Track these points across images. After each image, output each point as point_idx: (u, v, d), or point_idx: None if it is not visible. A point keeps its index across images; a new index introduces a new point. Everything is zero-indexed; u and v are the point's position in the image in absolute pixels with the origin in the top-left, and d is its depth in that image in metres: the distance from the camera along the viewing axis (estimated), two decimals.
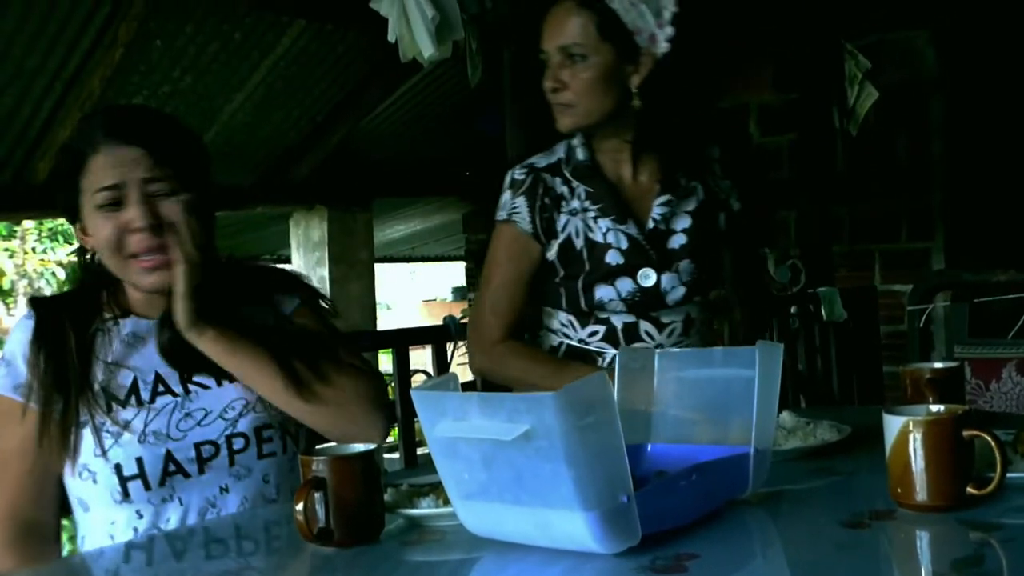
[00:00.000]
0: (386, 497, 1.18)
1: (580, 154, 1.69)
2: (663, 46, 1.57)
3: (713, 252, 1.75)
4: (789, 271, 4.36)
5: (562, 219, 1.67)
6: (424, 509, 1.14)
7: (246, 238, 6.27)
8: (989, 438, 1.02)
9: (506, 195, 1.70)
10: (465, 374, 3.60)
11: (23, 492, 1.34)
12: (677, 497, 1.05)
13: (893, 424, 1.05)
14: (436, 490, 1.16)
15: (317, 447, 1.16)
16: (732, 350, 1.24)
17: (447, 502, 1.07)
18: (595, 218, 1.67)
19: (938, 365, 1.49)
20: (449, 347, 2.73)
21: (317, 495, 1.07)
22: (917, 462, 1.03)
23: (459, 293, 8.05)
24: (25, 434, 1.32)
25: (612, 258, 1.66)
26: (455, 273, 8.41)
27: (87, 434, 1.32)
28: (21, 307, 11.59)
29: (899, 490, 1.05)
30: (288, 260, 5.67)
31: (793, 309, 3.95)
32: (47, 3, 3.31)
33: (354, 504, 1.08)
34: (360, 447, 1.14)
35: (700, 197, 1.71)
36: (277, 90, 4.27)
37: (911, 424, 1.04)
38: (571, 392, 0.91)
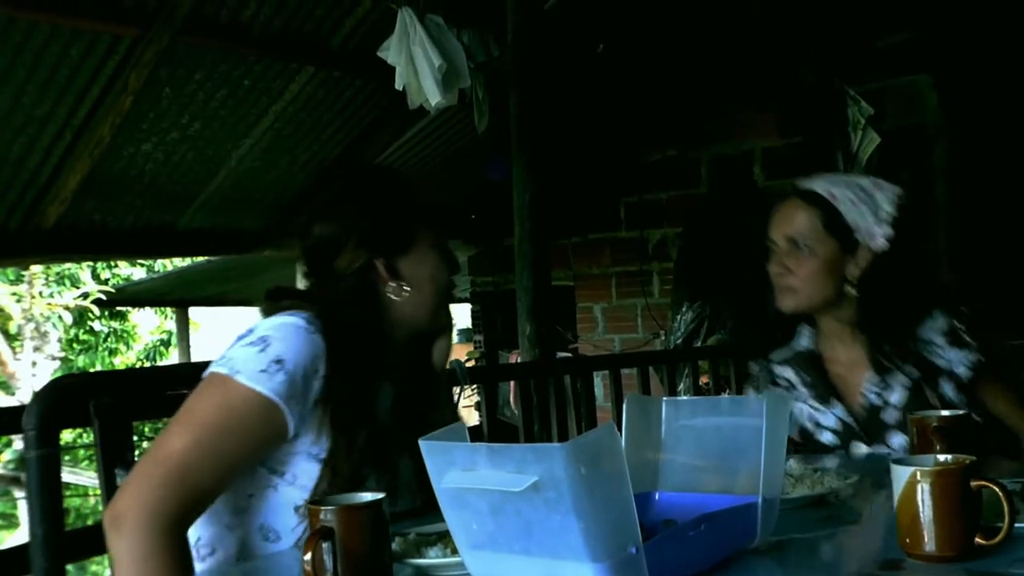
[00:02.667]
0: (393, 546, 1.18)
1: (803, 343, 1.87)
2: (880, 242, 1.73)
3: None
4: None
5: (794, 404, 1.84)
6: (432, 559, 1.14)
7: (253, 282, 6.30)
8: (997, 488, 1.02)
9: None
10: (471, 417, 3.59)
11: (209, 480, 1.24)
12: (686, 547, 1.05)
13: (901, 474, 1.05)
14: (444, 539, 1.16)
15: (326, 496, 1.16)
16: (740, 399, 1.24)
17: (455, 551, 1.07)
18: (810, 403, 1.82)
19: (946, 413, 1.49)
20: (455, 392, 2.73)
21: (325, 545, 1.07)
22: (925, 512, 1.03)
23: (465, 335, 8.03)
24: (261, 439, 1.26)
25: (826, 438, 1.81)
26: (461, 315, 8.40)
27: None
28: (28, 351, 11.60)
29: (908, 540, 1.05)
30: None
31: None
32: (59, 52, 3.36)
33: (362, 554, 1.08)
34: (368, 496, 1.14)
35: (914, 375, 1.75)
36: (285, 135, 4.31)
37: (919, 474, 1.04)
38: (580, 443, 0.91)
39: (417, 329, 1.43)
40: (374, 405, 1.36)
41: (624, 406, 1.29)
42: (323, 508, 1.10)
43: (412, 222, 1.40)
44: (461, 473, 0.98)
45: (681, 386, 3.87)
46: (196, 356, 8.06)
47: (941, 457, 1.11)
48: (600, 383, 3.72)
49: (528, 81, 3.10)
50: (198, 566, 1.30)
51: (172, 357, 10.62)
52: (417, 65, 2.60)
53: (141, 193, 4.32)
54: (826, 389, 1.82)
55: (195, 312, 8.66)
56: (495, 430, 2.78)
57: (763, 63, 4.69)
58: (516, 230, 3.10)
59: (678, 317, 4.57)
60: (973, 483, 1.03)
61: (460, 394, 2.90)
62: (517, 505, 0.95)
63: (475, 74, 2.82)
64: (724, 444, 1.26)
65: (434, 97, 2.66)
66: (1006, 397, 1.75)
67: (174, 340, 9.60)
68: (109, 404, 1.46)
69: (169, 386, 1.56)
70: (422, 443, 1.00)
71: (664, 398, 1.31)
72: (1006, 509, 1.01)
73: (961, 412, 1.47)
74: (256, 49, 3.68)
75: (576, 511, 0.91)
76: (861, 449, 1.79)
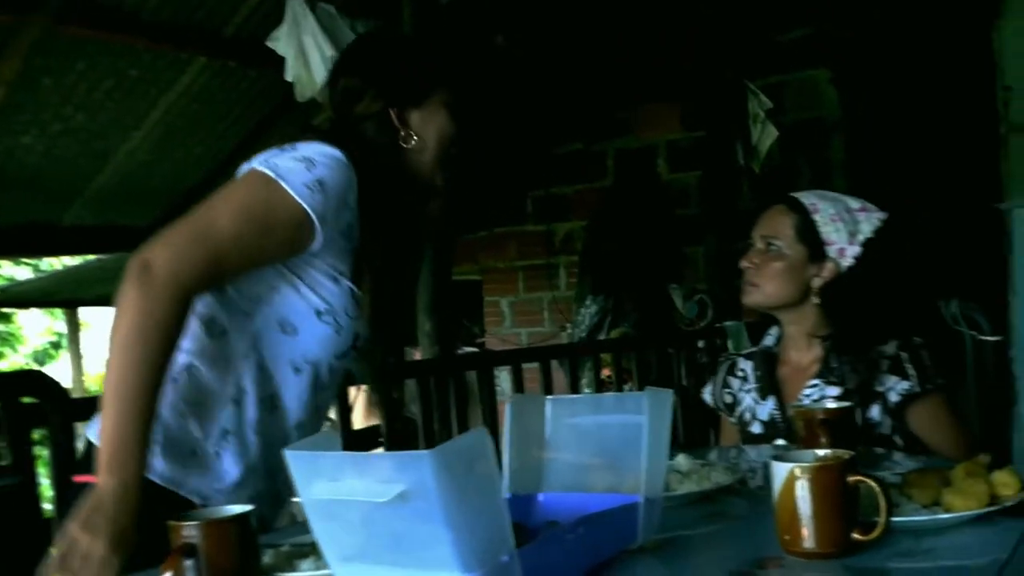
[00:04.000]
0: (265, 559, 1.12)
1: (767, 341, 1.97)
2: (848, 261, 1.82)
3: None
4: (696, 306, 4.41)
5: (741, 395, 1.98)
6: (303, 573, 1.09)
7: None
8: (873, 483, 1.02)
9: None
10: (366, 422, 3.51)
11: (234, 266, 1.33)
12: (563, 551, 1.02)
13: (779, 471, 1.04)
14: (317, 551, 1.10)
15: (188, 512, 1.09)
16: (622, 396, 1.22)
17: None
18: (753, 395, 1.94)
19: (831, 406, 1.50)
20: (352, 392, 2.66)
21: (188, 563, 1.01)
22: (803, 509, 1.03)
23: None
24: (288, 245, 1.34)
25: (756, 429, 1.92)
26: None
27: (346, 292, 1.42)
28: None
29: (786, 537, 1.04)
30: None
31: (701, 344, 4.00)
32: None
33: (228, 571, 1.02)
34: (236, 509, 1.08)
35: (848, 386, 1.80)
36: (177, 128, 4.15)
37: (796, 471, 1.03)
38: (448, 450, 0.88)
39: (420, 182, 1.53)
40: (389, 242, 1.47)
41: (508, 407, 1.26)
42: (185, 524, 1.03)
43: (426, 79, 1.50)
44: (328, 484, 0.93)
45: (584, 379, 3.87)
46: (88, 357, 7.76)
47: (820, 452, 1.10)
48: (508, 377, 3.69)
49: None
50: (231, 408, 1.38)
51: (63, 359, 10.23)
52: (308, 56, 2.52)
53: (22, 188, 4.11)
54: (768, 385, 1.91)
55: (85, 312, 8.33)
56: (395, 430, 2.73)
57: (667, 57, 4.72)
58: None
59: (582, 310, 4.58)
60: (850, 479, 1.03)
61: (357, 393, 2.85)
62: (386, 516, 0.90)
63: None
64: (608, 442, 1.24)
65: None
66: (937, 426, 1.79)
67: (64, 342, 9.24)
68: None
69: None
70: (287, 453, 0.95)
71: (548, 396, 1.29)
72: (883, 504, 1.01)
73: (846, 405, 1.48)
74: (143, 38, 3.53)
75: (446, 521, 0.87)
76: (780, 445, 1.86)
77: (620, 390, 3.55)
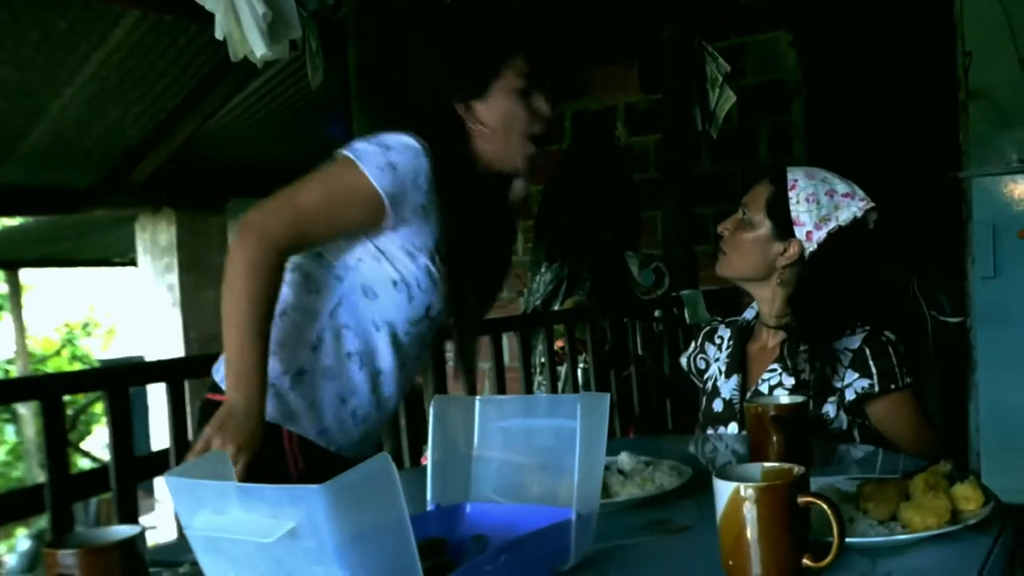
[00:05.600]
0: None
1: (748, 314, 1.91)
2: (811, 245, 1.73)
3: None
4: (653, 274, 4.32)
5: (712, 362, 1.92)
6: None
7: (88, 242, 5.87)
8: (826, 505, 0.92)
9: None
10: None
11: (317, 235, 1.55)
12: None
13: (723, 490, 0.95)
14: None
15: (68, 535, 0.97)
16: (556, 398, 1.12)
17: None
18: (722, 367, 1.88)
19: (784, 401, 1.41)
20: None
21: None
22: (749, 532, 0.93)
23: None
24: (361, 221, 1.53)
25: (717, 406, 1.85)
26: None
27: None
28: None
29: (731, 563, 0.95)
30: (135, 264, 5.32)
31: (657, 313, 3.91)
32: None
33: None
34: (124, 531, 0.96)
35: (805, 377, 1.71)
36: (112, 85, 3.94)
37: (742, 491, 0.93)
38: (342, 484, 0.76)
39: (496, 168, 1.63)
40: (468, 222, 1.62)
41: (431, 408, 1.15)
42: (60, 551, 0.92)
43: (487, 71, 1.59)
44: (211, 516, 0.82)
45: (539, 348, 3.77)
46: (30, 319, 7.52)
47: (768, 465, 1.01)
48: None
49: (368, 32, 2.88)
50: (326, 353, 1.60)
51: (5, 320, 9.96)
52: (239, 12, 2.35)
53: None
54: (737, 361, 1.85)
55: (26, 274, 8.08)
56: None
57: (625, 18, 4.59)
58: None
59: (537, 278, 4.46)
60: (800, 499, 0.93)
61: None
62: (275, 554, 0.79)
63: (308, 24, 2.59)
64: (541, 448, 1.14)
65: (259, 49, 2.41)
66: (898, 424, 1.69)
67: (6, 304, 8.97)
68: None
69: None
70: (167, 478, 0.84)
71: (478, 397, 1.18)
72: (836, 529, 0.92)
73: (799, 400, 1.39)
74: None
75: (340, 561, 0.77)
76: (734, 429, 1.80)
77: (574, 362, 3.46)
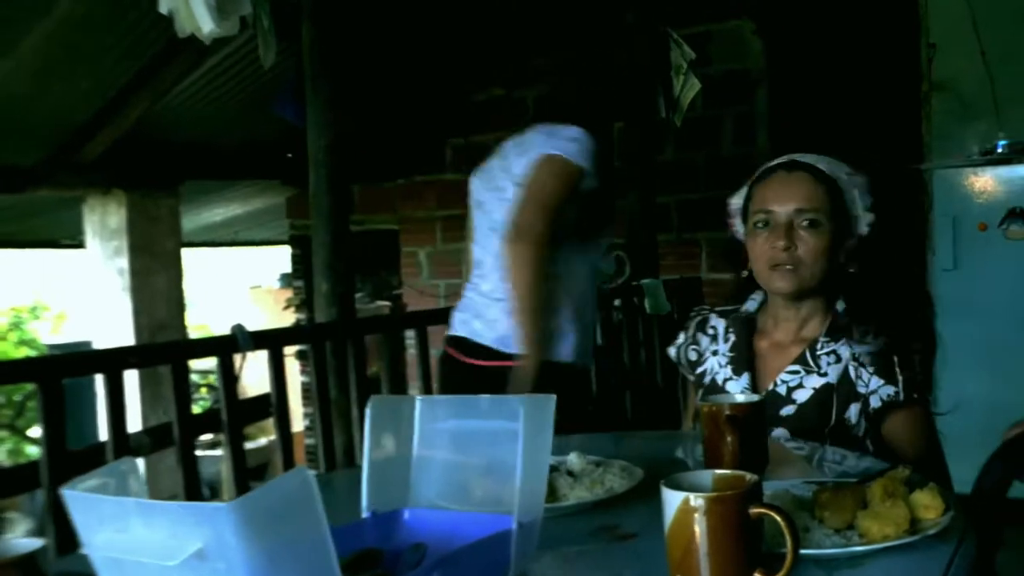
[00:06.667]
0: None
1: (749, 306, 1.79)
2: (865, 229, 1.69)
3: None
4: (614, 262, 4.27)
5: (707, 355, 1.81)
6: None
7: (34, 223, 5.69)
8: (779, 517, 0.87)
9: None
10: (262, 386, 3.31)
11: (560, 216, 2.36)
12: None
13: (671, 500, 0.89)
14: None
15: None
16: (499, 399, 1.06)
17: None
18: (724, 364, 1.76)
19: (740, 399, 1.36)
20: (237, 360, 2.46)
21: None
22: (699, 545, 0.88)
23: (286, 280, 7.66)
24: (573, 193, 2.36)
25: None
26: (281, 259, 8.02)
27: None
28: None
29: None
30: (83, 246, 5.16)
31: (617, 302, 3.87)
32: None
33: None
34: (23, 544, 0.89)
35: (831, 380, 1.63)
36: (57, 60, 3.79)
37: (691, 501, 0.88)
38: (254, 500, 0.70)
39: None
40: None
41: (367, 409, 1.09)
42: None
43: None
44: (112, 535, 0.75)
45: None
46: None
47: (719, 473, 0.95)
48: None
49: (324, 11, 2.79)
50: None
51: None
52: None
53: None
54: (746, 358, 1.73)
55: None
56: (284, 400, 2.53)
57: (589, 2, 4.52)
58: (311, 178, 2.81)
59: None
60: (752, 510, 0.88)
61: (241, 364, 2.65)
62: None
63: (259, 1, 2.50)
64: (484, 450, 1.08)
65: (206, 25, 2.32)
66: (912, 437, 1.61)
67: None
68: None
69: None
70: (65, 492, 0.76)
71: (418, 396, 1.12)
72: (789, 543, 0.87)
73: (755, 399, 1.34)
74: None
75: None
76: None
77: None
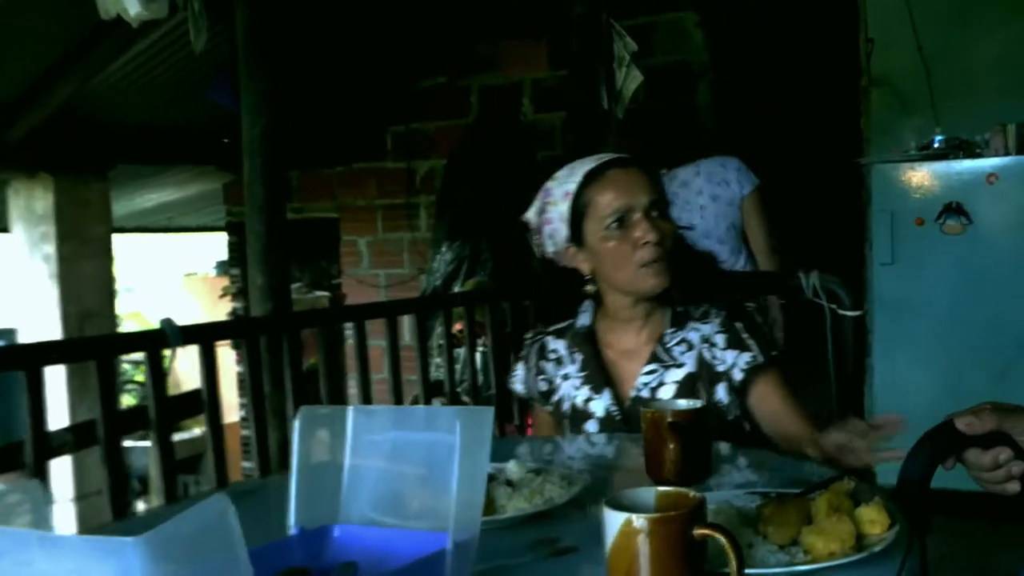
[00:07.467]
0: None
1: (583, 320, 1.70)
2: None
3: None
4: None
5: (558, 381, 1.70)
6: None
7: None
8: (723, 538, 0.84)
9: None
10: (190, 383, 3.22)
11: None
12: None
13: (613, 521, 0.86)
14: None
15: None
16: (434, 410, 1.02)
17: None
18: (579, 386, 1.67)
19: (682, 405, 1.33)
20: (166, 355, 2.37)
21: None
22: (641, 568, 0.84)
23: (223, 267, 7.50)
24: None
25: (590, 427, 1.66)
26: (218, 246, 7.85)
27: None
28: None
29: None
30: (7, 231, 4.98)
31: None
32: None
33: None
34: None
35: (690, 369, 1.60)
36: None
37: (634, 522, 0.84)
38: (167, 534, 0.64)
39: None
40: None
41: (296, 420, 1.03)
42: None
43: None
44: (12, 568, 0.69)
45: (437, 331, 3.66)
46: None
47: (662, 490, 0.92)
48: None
49: None
50: None
51: None
52: None
53: None
54: (598, 374, 1.66)
55: None
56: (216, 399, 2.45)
57: None
58: (245, 167, 2.73)
59: (437, 257, 4.34)
60: (697, 532, 0.85)
61: (172, 357, 2.56)
62: None
63: None
64: (418, 462, 1.04)
65: (133, 7, 2.23)
66: (779, 397, 1.60)
67: None
68: None
69: None
70: None
71: (351, 407, 1.06)
72: (734, 566, 0.84)
73: (698, 406, 1.32)
74: None
75: None
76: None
77: (472, 345, 3.37)
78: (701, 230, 3.49)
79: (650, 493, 0.91)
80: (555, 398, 1.71)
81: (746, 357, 1.58)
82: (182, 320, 2.37)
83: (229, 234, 6.46)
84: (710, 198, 3.55)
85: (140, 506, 2.69)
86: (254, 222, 2.68)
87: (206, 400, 2.41)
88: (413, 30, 4.82)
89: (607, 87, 4.12)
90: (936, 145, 3.74)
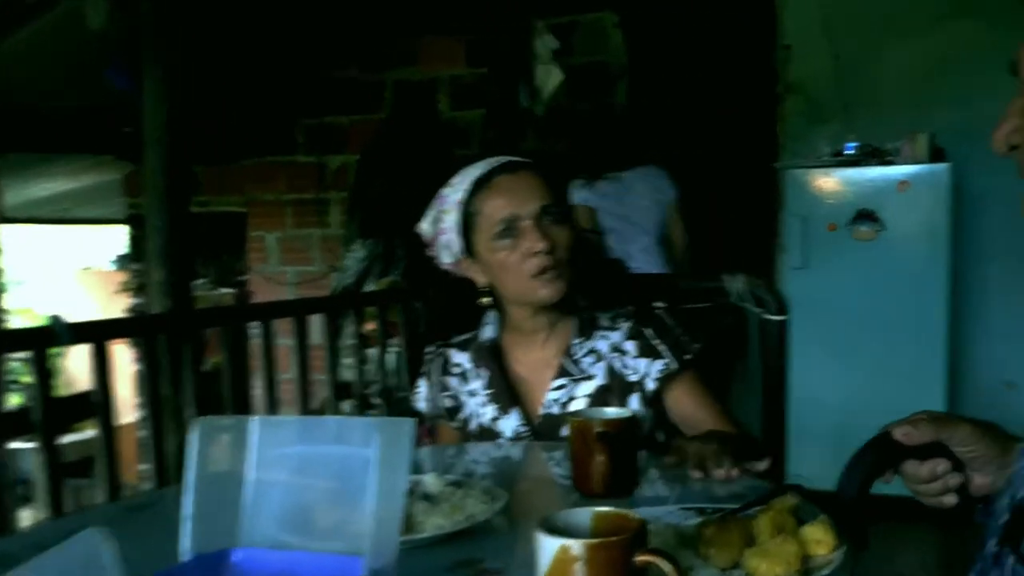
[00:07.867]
0: None
1: (487, 333, 1.61)
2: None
3: None
4: None
5: (463, 398, 1.61)
6: None
7: None
8: (667, 564, 0.77)
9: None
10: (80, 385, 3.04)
11: None
12: None
13: (548, 548, 0.78)
14: None
15: None
16: (348, 421, 0.92)
17: None
18: (485, 403, 1.58)
19: (611, 414, 1.26)
20: (54, 354, 2.20)
21: None
22: None
23: (122, 261, 7.18)
24: None
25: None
26: (118, 240, 7.53)
27: None
28: None
29: None
30: None
31: None
32: None
33: None
34: None
35: (601, 381, 1.51)
36: None
37: (571, 550, 0.76)
38: (38, 572, 0.54)
39: None
40: None
41: (191, 433, 0.92)
42: None
43: None
44: None
45: (348, 330, 3.53)
46: None
47: (600, 511, 0.84)
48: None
49: None
50: None
51: None
52: None
53: None
54: (505, 391, 1.57)
55: None
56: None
57: None
58: (147, 157, 2.57)
59: (349, 255, 4.21)
60: (638, 558, 0.77)
61: (64, 355, 2.38)
62: None
63: None
64: (330, 478, 0.94)
65: None
66: (695, 399, 1.53)
67: None
68: None
69: None
70: None
71: (256, 418, 0.96)
72: None
73: (627, 415, 1.25)
74: None
75: None
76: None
77: (384, 345, 3.26)
78: (643, 229, 3.68)
79: (586, 514, 0.83)
80: (461, 415, 1.61)
81: (658, 365, 1.51)
82: (76, 316, 2.21)
83: (130, 227, 6.19)
84: (653, 201, 3.73)
85: (25, 514, 2.51)
86: (155, 215, 2.52)
87: (99, 402, 2.25)
88: (329, 20, 4.68)
89: (526, 84, 4.06)
90: (849, 152, 3.79)
